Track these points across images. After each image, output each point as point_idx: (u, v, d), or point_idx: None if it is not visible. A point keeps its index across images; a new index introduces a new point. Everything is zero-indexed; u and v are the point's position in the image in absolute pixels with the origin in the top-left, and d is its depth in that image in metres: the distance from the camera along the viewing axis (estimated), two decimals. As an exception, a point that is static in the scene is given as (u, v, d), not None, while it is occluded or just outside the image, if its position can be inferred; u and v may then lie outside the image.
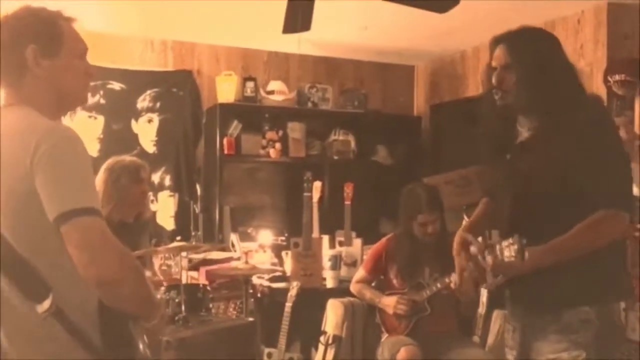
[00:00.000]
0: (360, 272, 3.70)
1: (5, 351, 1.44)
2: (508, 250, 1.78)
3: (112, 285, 1.35)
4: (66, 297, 1.37)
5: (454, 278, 3.18)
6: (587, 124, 1.88)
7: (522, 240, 1.75)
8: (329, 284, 4.26)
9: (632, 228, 2.83)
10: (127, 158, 3.21)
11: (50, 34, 1.53)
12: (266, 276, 4.30)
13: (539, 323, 1.95)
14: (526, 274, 1.85)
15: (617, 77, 3.71)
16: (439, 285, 3.35)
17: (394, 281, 3.52)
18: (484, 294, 3.59)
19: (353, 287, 3.67)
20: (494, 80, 1.98)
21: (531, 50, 1.96)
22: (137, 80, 4.85)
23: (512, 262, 1.78)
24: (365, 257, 3.99)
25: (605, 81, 3.82)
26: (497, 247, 1.81)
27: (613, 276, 1.93)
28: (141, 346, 1.45)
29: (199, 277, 4.10)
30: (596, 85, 3.78)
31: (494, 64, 2.00)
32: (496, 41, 2.02)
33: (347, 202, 4.55)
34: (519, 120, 2.02)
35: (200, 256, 4.14)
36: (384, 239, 3.68)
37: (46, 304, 1.33)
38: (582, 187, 1.86)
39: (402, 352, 3.19)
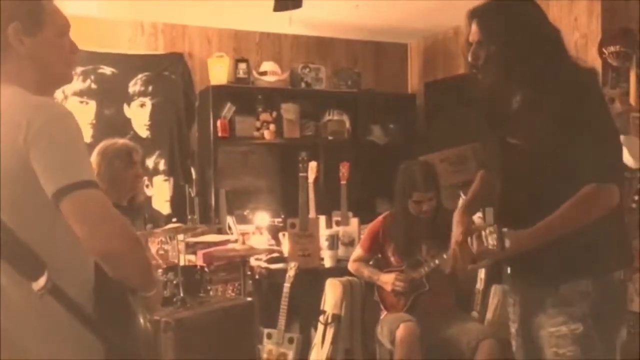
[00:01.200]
0: (357, 251, 3.70)
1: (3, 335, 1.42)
2: (491, 237, 1.75)
3: (117, 255, 1.36)
4: (62, 273, 1.36)
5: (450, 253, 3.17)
6: (570, 95, 1.82)
7: (501, 228, 1.72)
8: (327, 263, 4.27)
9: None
10: (119, 141, 3.17)
11: (32, 11, 1.50)
12: (264, 257, 4.30)
13: (537, 296, 1.93)
14: (512, 256, 1.84)
15: (612, 49, 3.66)
16: (436, 261, 3.34)
17: (392, 259, 3.52)
18: (481, 269, 3.59)
19: (351, 266, 3.66)
20: (469, 57, 1.92)
21: (503, 25, 1.87)
22: (128, 64, 4.80)
23: (495, 250, 1.76)
24: (362, 236, 3.98)
25: (600, 53, 3.79)
26: (483, 233, 1.78)
27: (611, 245, 1.89)
28: (142, 320, 1.44)
29: (197, 260, 4.09)
30: (591, 57, 3.75)
31: (470, 39, 1.93)
32: (471, 16, 1.93)
33: (343, 182, 4.53)
34: (511, 93, 1.96)
35: (198, 239, 4.13)
36: (380, 217, 3.67)
37: (42, 281, 1.32)
38: (569, 161, 1.81)
39: (401, 329, 3.19)
